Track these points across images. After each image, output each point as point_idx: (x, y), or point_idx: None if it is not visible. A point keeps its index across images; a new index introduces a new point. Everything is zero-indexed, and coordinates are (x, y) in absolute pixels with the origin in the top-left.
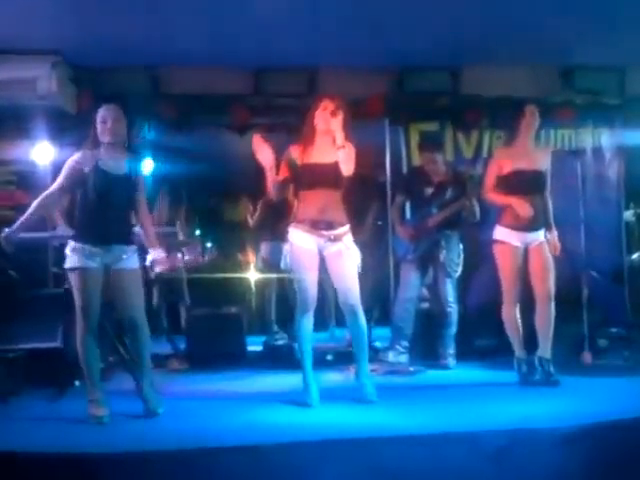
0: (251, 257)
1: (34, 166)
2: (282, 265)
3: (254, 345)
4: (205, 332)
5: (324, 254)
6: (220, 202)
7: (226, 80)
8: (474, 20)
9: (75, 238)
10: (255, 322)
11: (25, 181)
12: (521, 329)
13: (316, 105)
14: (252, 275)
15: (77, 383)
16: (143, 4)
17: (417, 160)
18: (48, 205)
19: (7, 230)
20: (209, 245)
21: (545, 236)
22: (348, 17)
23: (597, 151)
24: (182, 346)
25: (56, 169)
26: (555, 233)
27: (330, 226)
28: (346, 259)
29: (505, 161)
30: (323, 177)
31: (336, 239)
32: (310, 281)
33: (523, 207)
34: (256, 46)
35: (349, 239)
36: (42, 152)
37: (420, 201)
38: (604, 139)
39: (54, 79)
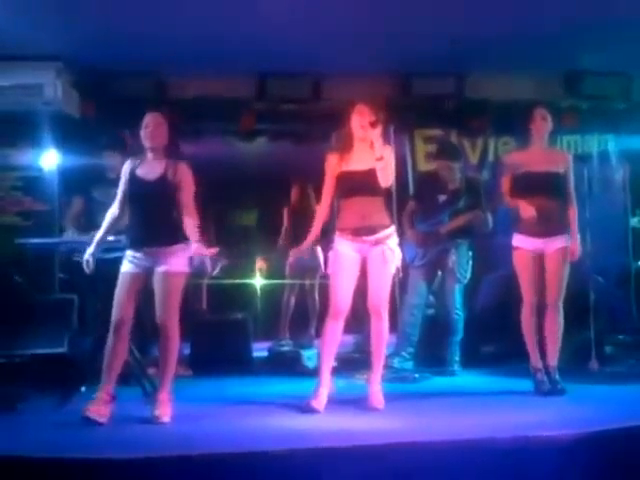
0: (260, 263)
1: (40, 171)
2: (324, 270)
3: (259, 351)
4: (210, 338)
5: (367, 257)
6: (227, 209)
7: (230, 86)
8: (479, 26)
9: (127, 245)
10: (260, 328)
11: (31, 187)
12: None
13: (351, 111)
14: (258, 281)
15: (83, 389)
16: (148, 9)
17: (422, 166)
18: (117, 218)
19: (88, 253)
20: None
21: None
22: (353, 22)
23: (603, 157)
24: (186, 352)
25: (62, 174)
26: (577, 238)
27: (372, 231)
28: (387, 262)
29: (517, 164)
30: (361, 184)
31: (378, 243)
32: (346, 288)
33: (526, 209)
34: (260, 51)
35: (393, 241)
36: (48, 158)
37: (432, 207)
38: (610, 145)
39: (60, 85)
